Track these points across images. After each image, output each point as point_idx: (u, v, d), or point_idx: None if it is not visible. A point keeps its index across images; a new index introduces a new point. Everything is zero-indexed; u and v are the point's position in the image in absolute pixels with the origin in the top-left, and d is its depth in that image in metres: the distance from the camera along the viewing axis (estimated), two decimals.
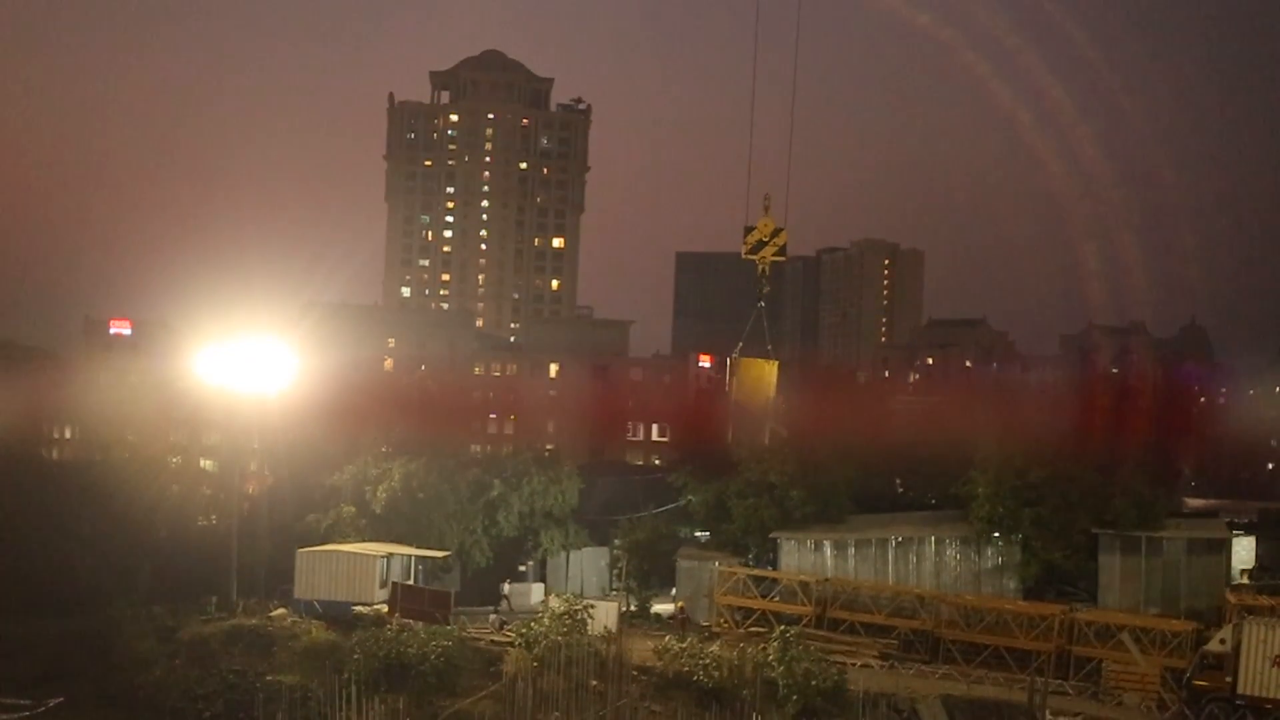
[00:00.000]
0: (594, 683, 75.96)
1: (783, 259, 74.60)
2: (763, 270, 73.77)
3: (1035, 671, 77.42)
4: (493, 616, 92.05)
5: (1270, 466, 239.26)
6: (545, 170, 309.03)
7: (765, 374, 73.05)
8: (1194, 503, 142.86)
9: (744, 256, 74.55)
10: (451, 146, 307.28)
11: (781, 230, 71.02)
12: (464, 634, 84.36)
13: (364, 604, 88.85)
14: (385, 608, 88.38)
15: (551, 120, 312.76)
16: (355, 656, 79.75)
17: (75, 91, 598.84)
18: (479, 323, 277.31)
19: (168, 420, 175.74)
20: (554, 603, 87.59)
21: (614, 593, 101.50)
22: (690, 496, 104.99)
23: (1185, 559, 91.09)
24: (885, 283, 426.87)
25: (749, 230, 72.97)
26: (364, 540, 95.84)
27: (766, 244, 71.44)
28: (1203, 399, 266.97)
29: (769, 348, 76.61)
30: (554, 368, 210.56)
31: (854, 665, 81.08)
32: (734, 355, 75.50)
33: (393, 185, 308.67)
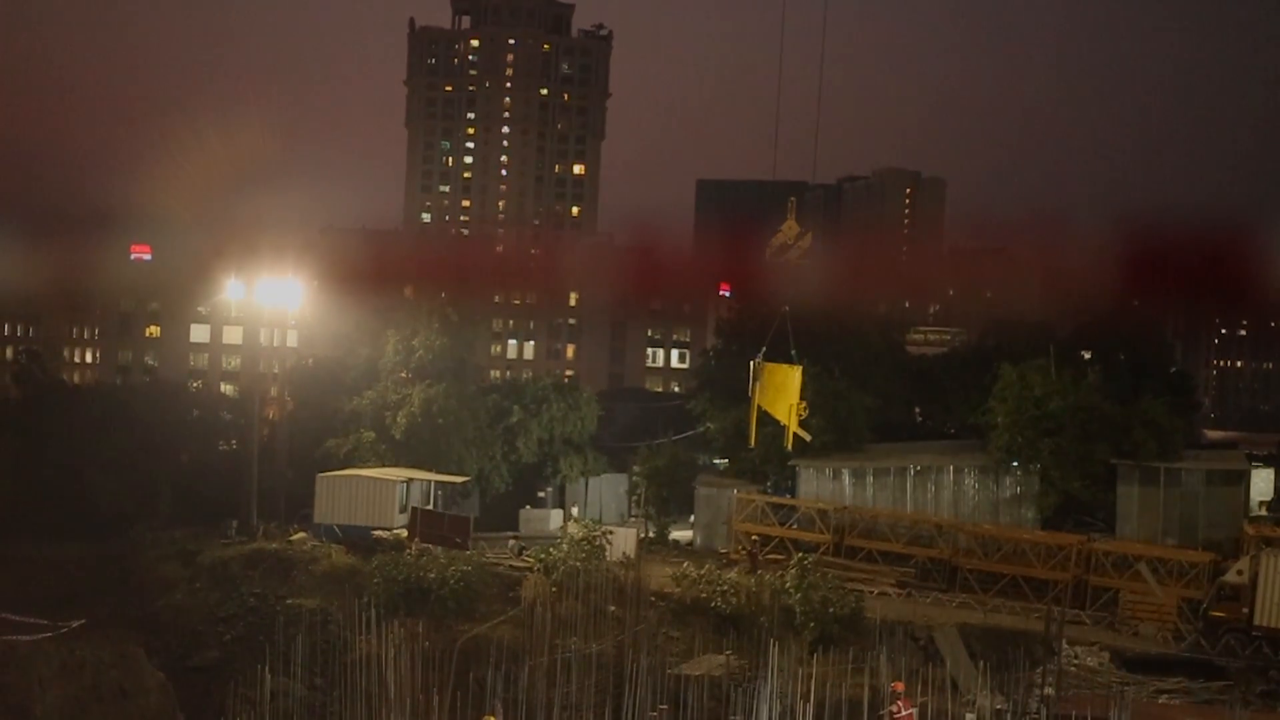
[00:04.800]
0: (612, 608, 76.20)
1: (807, 261, 74.75)
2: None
3: (1052, 601, 77.60)
4: (511, 542, 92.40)
5: None
6: (566, 96, 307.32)
7: (789, 379, 73.26)
8: (1213, 434, 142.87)
9: (769, 257, 74.91)
10: (472, 72, 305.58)
11: (807, 234, 71.01)
12: (483, 559, 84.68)
13: (383, 529, 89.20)
14: (405, 532, 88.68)
15: (572, 46, 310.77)
16: (375, 581, 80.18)
17: (91, 15, 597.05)
18: (499, 249, 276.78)
19: (189, 345, 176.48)
20: (573, 528, 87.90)
21: (632, 519, 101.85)
22: (709, 423, 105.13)
23: (1204, 490, 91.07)
24: (907, 211, 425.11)
25: (775, 233, 73.49)
26: (384, 465, 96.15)
27: (792, 246, 71.60)
28: (1223, 330, 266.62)
29: (793, 352, 76.93)
30: (573, 296, 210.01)
31: (871, 593, 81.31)
32: (757, 359, 75.83)
33: (413, 111, 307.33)
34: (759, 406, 76.13)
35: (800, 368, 75.48)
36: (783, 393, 73.87)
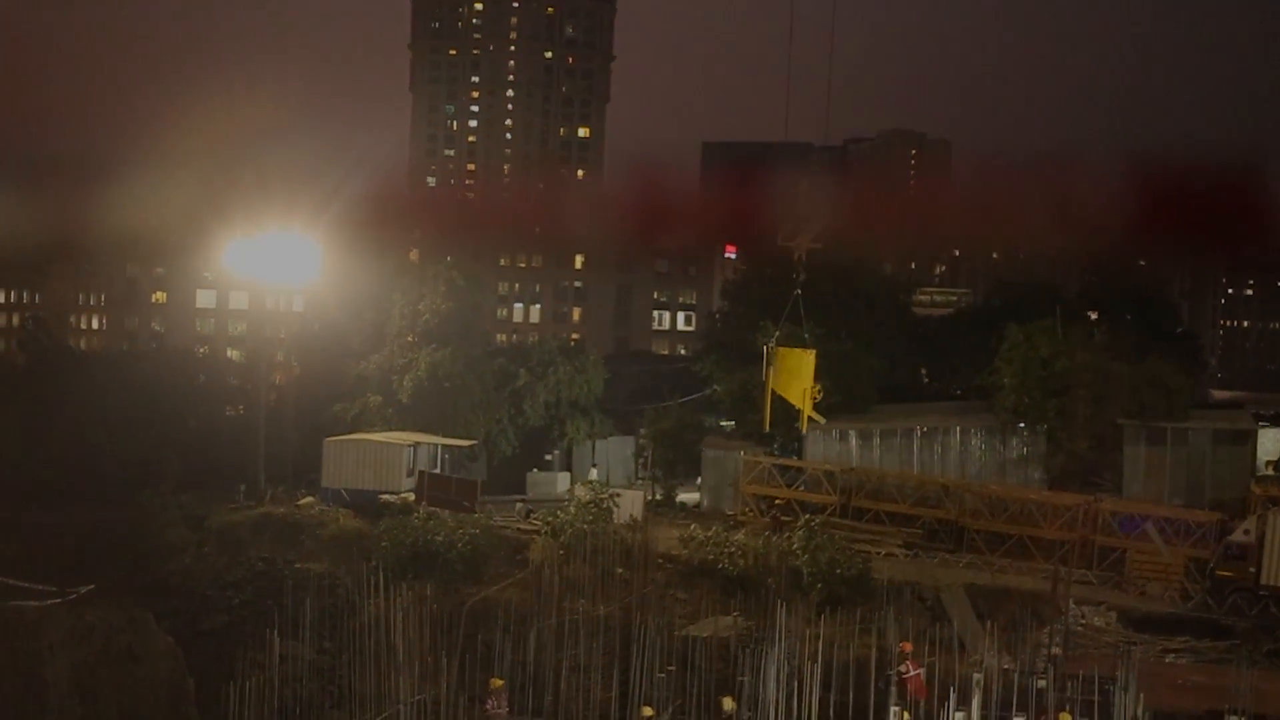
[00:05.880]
0: (619, 570, 76.38)
1: (819, 245, 74.67)
2: (799, 256, 74.10)
3: (1059, 561, 77.66)
4: (519, 505, 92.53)
5: None
6: (570, 59, 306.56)
7: (802, 363, 73.47)
8: (1220, 394, 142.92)
9: (779, 244, 74.90)
10: (476, 35, 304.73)
11: (817, 225, 71.12)
12: (490, 522, 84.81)
13: (391, 492, 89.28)
14: (412, 496, 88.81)
15: (576, 9, 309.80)
16: (382, 544, 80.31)
17: None
18: (505, 212, 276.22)
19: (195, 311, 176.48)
20: (580, 491, 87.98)
21: (639, 482, 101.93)
22: (716, 386, 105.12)
23: (1210, 450, 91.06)
24: (912, 173, 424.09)
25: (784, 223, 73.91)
26: (390, 429, 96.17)
27: (801, 237, 71.88)
28: (1230, 289, 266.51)
29: (806, 336, 77.01)
30: (579, 259, 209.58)
31: (878, 554, 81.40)
32: (770, 344, 75.93)
33: (417, 75, 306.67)
34: (773, 390, 76.40)
35: (814, 351, 75.55)
36: (796, 377, 74.23)
